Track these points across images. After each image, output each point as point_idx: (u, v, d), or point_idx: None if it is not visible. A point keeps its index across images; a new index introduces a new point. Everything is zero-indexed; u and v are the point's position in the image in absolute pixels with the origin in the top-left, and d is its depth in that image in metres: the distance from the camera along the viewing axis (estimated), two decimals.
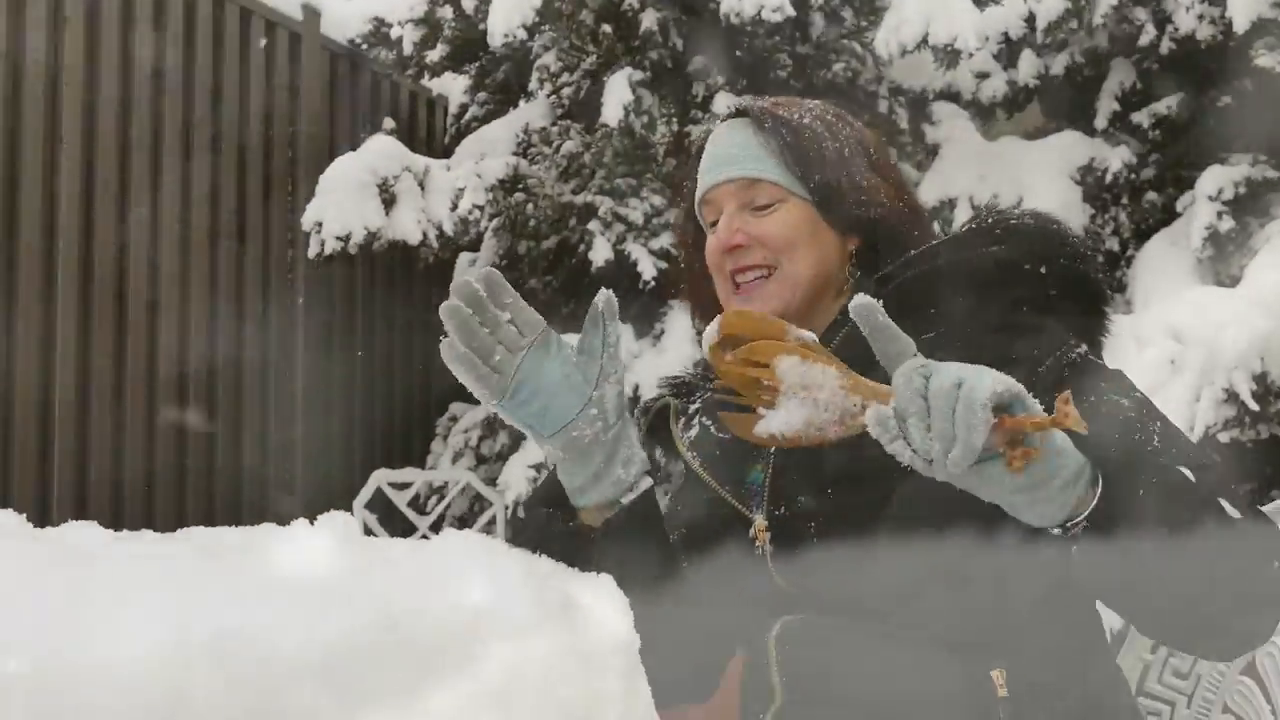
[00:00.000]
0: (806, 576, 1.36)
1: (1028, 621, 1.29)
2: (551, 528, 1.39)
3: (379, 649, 0.70)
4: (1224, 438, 3.54)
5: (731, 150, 1.53)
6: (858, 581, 1.30)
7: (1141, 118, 5.01)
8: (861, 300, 1.18)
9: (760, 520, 1.43)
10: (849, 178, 1.50)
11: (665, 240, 4.98)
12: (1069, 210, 4.81)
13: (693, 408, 1.63)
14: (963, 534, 1.23)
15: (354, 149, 5.16)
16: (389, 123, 5.76)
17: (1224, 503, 1.20)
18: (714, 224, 1.53)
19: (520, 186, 5.17)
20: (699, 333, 1.61)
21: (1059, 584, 1.25)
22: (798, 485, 1.42)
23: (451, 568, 0.82)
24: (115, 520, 4.27)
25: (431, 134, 6.23)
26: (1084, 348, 1.38)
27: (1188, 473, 1.21)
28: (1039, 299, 1.42)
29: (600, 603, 0.87)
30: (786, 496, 1.42)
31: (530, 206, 5.11)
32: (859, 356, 1.34)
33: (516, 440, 5.07)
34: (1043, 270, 1.42)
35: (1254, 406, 3.46)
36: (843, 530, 1.33)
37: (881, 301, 1.41)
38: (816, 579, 1.34)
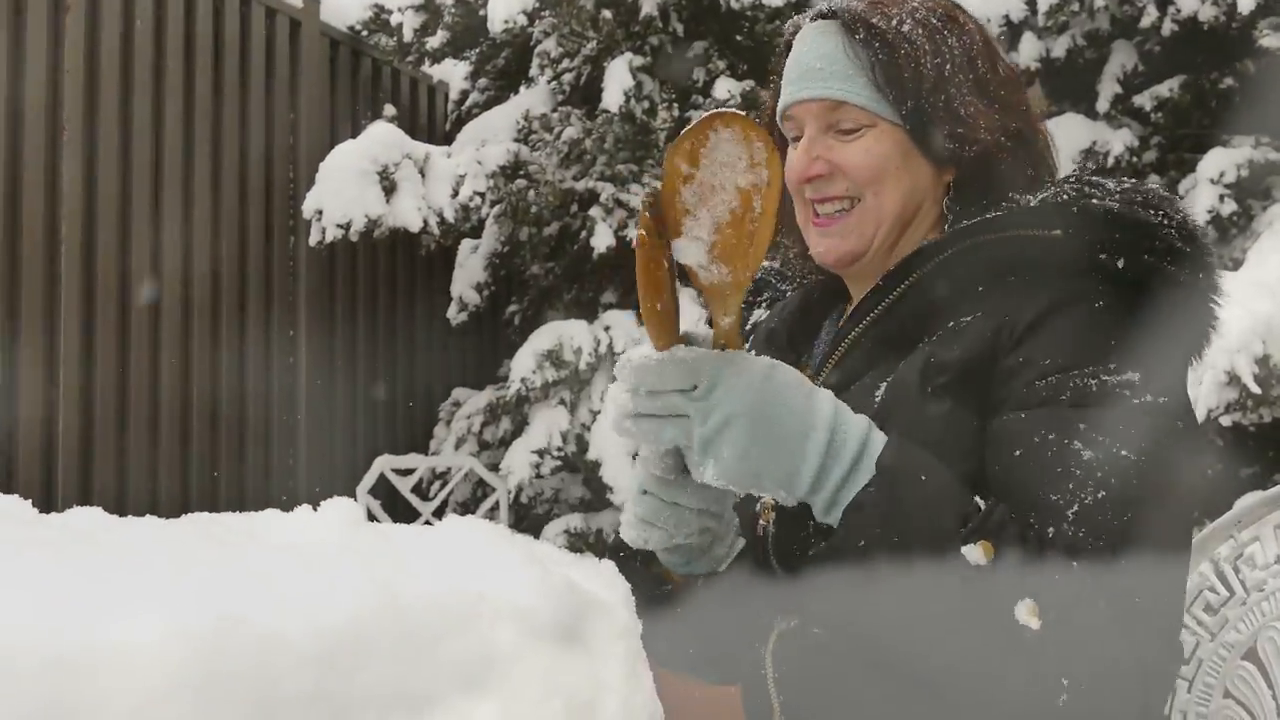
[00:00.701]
0: (799, 574, 1.23)
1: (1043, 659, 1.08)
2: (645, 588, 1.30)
3: (382, 634, 0.70)
4: (1226, 421, 3.53)
5: (817, 63, 1.33)
6: (850, 601, 1.14)
7: (1143, 100, 4.98)
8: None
9: (768, 498, 1.27)
10: (947, 104, 1.30)
11: None
12: None
13: (753, 317, 1.52)
14: (969, 566, 1.08)
15: (354, 136, 5.16)
16: (389, 109, 5.75)
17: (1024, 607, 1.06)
18: (796, 139, 1.36)
19: (521, 173, 5.16)
20: (786, 247, 1.50)
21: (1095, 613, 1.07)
22: None
23: (454, 553, 0.82)
24: (120, 506, 4.27)
25: (432, 121, 6.22)
26: (1117, 377, 1.15)
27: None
28: (1108, 296, 1.20)
29: (602, 589, 0.87)
30: None
31: (531, 193, 5.10)
32: (917, 310, 1.28)
33: (519, 426, 5.07)
34: (1120, 264, 1.20)
35: (1255, 390, 3.45)
36: (837, 541, 1.14)
37: (927, 271, 1.29)
38: (808, 581, 1.19)
